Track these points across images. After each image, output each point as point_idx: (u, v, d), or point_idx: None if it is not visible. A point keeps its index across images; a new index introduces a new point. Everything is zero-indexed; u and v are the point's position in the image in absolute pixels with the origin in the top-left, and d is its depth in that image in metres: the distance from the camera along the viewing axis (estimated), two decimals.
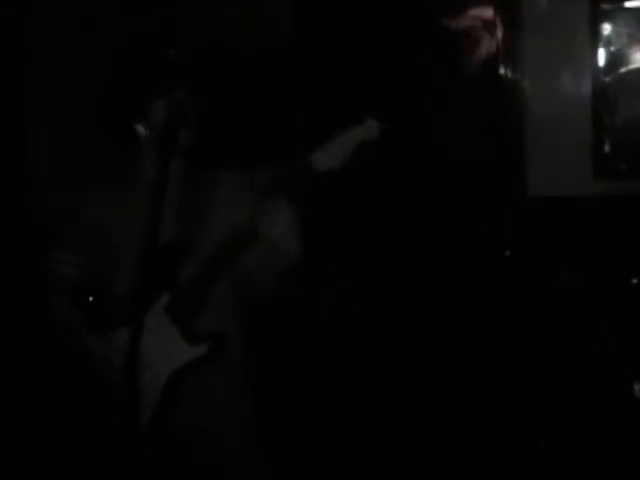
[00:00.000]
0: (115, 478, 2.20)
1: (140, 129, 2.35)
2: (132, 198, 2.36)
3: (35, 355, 3.41)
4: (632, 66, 3.98)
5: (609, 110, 4.01)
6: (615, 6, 4.00)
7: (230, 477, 2.36)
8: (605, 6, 4.01)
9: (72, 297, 2.43)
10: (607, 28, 4.01)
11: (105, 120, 2.41)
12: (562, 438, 3.55)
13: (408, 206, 4.01)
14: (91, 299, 2.41)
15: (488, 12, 3.95)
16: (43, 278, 2.48)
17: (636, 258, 3.75)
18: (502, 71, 4.16)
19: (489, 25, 4.03)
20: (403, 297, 3.87)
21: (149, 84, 2.31)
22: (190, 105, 2.29)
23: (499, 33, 4.04)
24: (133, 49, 2.39)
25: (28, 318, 3.37)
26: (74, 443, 3.21)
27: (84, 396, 2.52)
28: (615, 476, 3.42)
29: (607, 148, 4.03)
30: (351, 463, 3.55)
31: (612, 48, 4.00)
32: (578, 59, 4.05)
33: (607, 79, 4.00)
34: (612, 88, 4.00)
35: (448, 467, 3.55)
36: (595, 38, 4.01)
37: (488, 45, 4.02)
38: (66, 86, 3.86)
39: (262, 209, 2.12)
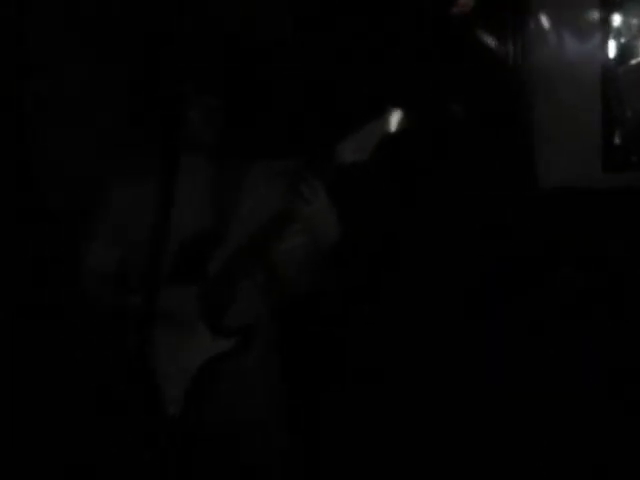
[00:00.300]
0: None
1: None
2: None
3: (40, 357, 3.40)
4: None
5: (619, 102, 3.99)
6: None
7: (263, 468, 2.36)
8: None
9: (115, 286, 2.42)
10: (617, 19, 4.00)
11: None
12: (562, 439, 3.54)
13: (417, 199, 4.01)
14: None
15: None
16: (79, 271, 2.47)
17: None
18: (511, 63, 4.16)
19: None
20: (413, 289, 3.88)
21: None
22: (197, 99, 2.28)
23: None
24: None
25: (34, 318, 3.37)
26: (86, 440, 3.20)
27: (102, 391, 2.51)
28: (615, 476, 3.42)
29: (617, 140, 4.02)
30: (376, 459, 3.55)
31: (622, 39, 3.97)
32: (588, 50, 4.02)
33: (617, 71, 3.99)
34: (622, 80, 3.98)
35: (451, 466, 3.55)
36: (605, 29, 3.99)
37: None
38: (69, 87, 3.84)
39: (297, 190, 2.09)
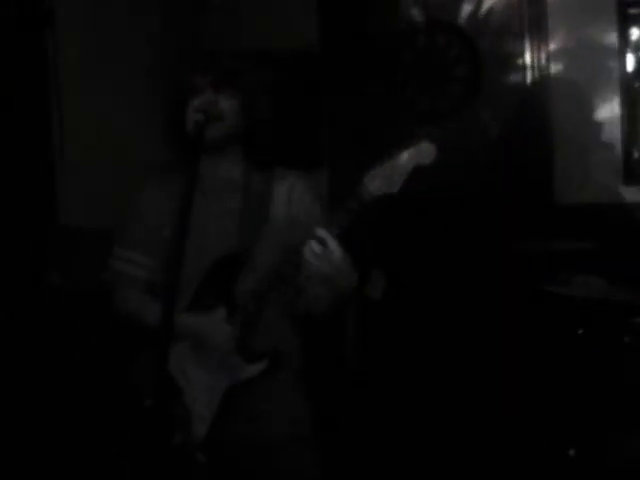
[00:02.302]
0: None
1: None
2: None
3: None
4: None
5: (639, 116, 3.98)
6: None
7: None
8: (633, 10, 3.98)
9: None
10: (635, 33, 3.99)
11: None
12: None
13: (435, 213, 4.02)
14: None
15: None
16: (108, 277, 2.46)
17: None
18: (530, 78, 4.16)
19: None
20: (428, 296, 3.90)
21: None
22: (219, 105, 2.27)
23: None
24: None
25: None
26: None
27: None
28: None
29: (637, 154, 4.00)
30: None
31: None
32: (607, 65, 4.03)
33: (636, 84, 3.98)
34: None
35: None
36: (624, 43, 3.98)
37: None
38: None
39: (308, 248, 2.09)
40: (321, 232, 2.07)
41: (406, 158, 2.04)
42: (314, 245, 2.07)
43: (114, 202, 2.69)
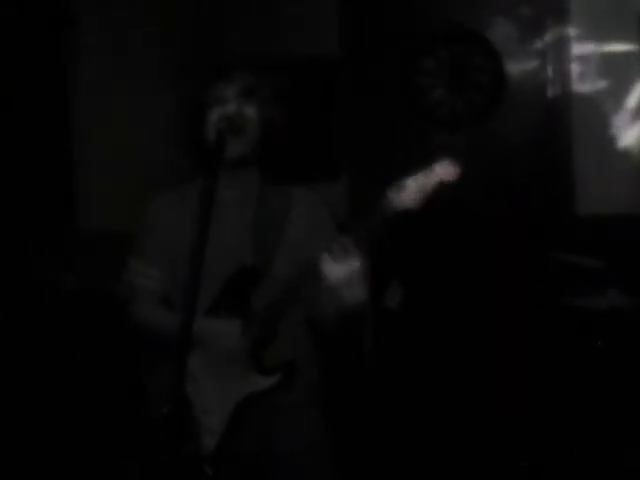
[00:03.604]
0: None
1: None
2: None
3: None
4: None
5: None
6: None
7: None
8: None
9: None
10: None
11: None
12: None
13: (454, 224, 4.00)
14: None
15: None
16: (123, 289, 2.46)
17: None
18: (551, 89, 4.14)
19: None
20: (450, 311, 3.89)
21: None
22: (244, 117, 2.26)
23: None
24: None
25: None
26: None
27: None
28: None
29: None
30: None
31: None
32: (628, 77, 4.02)
33: None
34: None
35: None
36: None
37: None
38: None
39: (329, 248, 2.08)
40: (343, 241, 2.06)
41: (431, 175, 2.02)
42: (335, 253, 2.06)
43: (131, 206, 2.68)
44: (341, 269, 2.07)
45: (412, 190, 2.02)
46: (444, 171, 2.01)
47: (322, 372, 2.46)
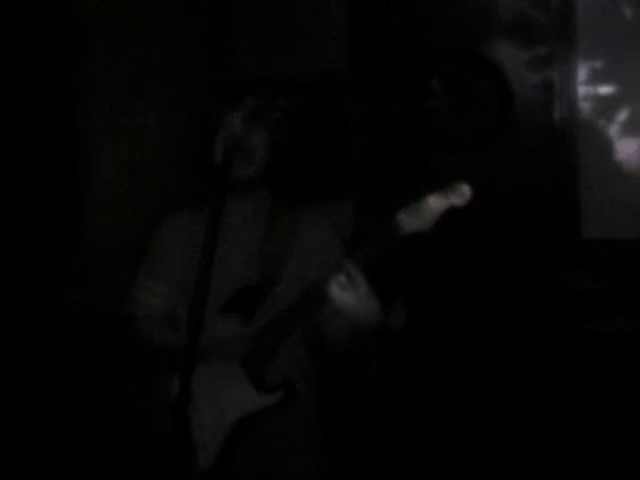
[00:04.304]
0: None
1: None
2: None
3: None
4: None
5: None
6: None
7: None
8: None
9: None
10: None
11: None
12: None
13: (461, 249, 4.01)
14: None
15: None
16: (130, 306, 2.47)
17: None
18: (558, 113, 4.16)
19: None
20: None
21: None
22: (252, 140, 2.27)
23: None
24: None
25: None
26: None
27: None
28: None
29: None
30: None
31: None
32: (632, 99, 4.04)
33: None
34: None
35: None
36: None
37: None
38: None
39: (336, 279, 2.08)
40: (349, 265, 2.07)
41: (441, 197, 2.03)
42: (341, 278, 2.06)
43: (138, 224, 2.70)
44: (347, 293, 2.07)
45: (423, 213, 2.03)
46: (458, 195, 2.01)
47: (322, 391, 2.46)
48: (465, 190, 2.00)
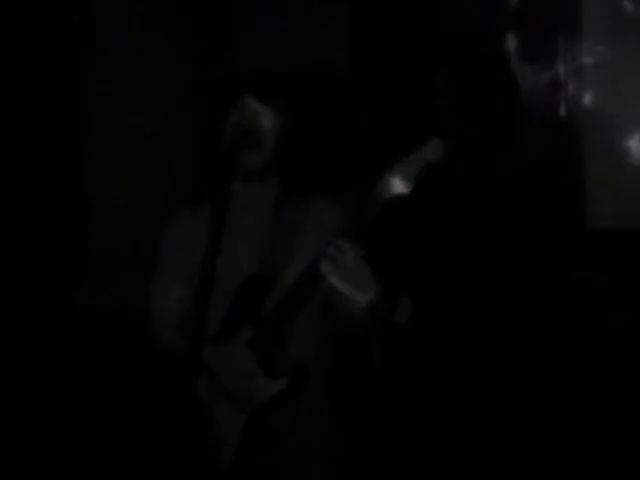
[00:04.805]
0: None
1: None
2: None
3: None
4: None
5: None
6: None
7: None
8: None
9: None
10: None
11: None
12: None
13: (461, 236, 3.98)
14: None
15: None
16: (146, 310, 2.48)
17: None
18: (564, 104, 4.14)
19: None
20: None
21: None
22: (259, 129, 2.28)
23: None
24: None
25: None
26: None
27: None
28: None
29: None
30: None
31: None
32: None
33: None
34: None
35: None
36: None
37: None
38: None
39: (324, 252, 2.08)
40: (336, 238, 2.08)
41: (417, 156, 2.03)
42: (330, 250, 2.07)
43: (143, 225, 2.71)
44: (335, 263, 2.07)
45: (402, 175, 2.02)
46: (432, 151, 2.01)
47: (335, 380, 2.45)
48: (438, 144, 2.00)
